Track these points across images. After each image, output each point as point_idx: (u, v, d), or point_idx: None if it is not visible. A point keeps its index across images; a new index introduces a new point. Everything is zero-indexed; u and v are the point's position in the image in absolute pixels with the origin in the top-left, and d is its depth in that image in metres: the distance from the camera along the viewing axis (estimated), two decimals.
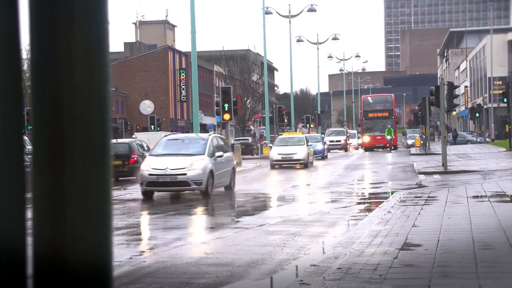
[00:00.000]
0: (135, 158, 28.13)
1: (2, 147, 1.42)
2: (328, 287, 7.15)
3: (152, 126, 59.74)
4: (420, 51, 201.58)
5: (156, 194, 20.58)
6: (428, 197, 16.77)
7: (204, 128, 76.34)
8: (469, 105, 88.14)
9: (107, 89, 1.47)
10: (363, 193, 22.30)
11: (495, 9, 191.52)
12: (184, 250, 11.19)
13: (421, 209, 14.05)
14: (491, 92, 79.02)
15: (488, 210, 13.30)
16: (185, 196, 20.65)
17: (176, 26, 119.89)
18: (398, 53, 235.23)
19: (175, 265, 9.64)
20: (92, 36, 1.44)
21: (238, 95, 53.84)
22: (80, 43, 1.43)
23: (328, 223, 13.80)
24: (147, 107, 79.29)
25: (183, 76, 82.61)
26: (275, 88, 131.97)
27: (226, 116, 35.50)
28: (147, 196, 20.07)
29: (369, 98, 70.71)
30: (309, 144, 38.24)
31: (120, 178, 27.31)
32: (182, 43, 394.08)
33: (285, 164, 36.29)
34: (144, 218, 16.62)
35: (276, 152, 36.68)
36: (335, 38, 74.81)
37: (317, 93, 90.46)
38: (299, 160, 36.01)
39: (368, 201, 19.45)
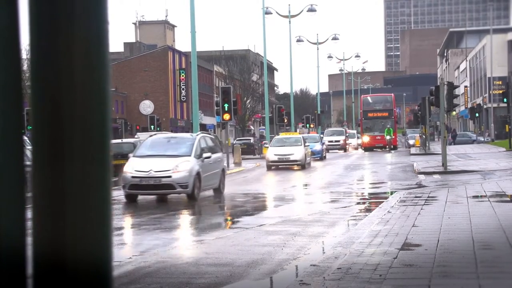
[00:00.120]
0: None
1: (2, 147, 1.42)
2: (328, 287, 7.15)
3: (152, 126, 59.71)
4: (420, 51, 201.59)
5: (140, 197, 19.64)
6: (428, 197, 16.77)
7: (204, 128, 76.34)
8: (469, 105, 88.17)
9: (107, 89, 1.47)
10: (362, 193, 22.30)
11: (495, 9, 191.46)
12: (183, 250, 11.20)
13: (421, 209, 14.05)
14: (491, 92, 78.99)
15: (488, 210, 13.31)
16: (172, 200, 19.72)
17: (176, 26, 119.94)
18: (398, 53, 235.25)
19: (175, 265, 9.64)
20: (92, 36, 1.44)
21: (238, 95, 53.80)
22: (80, 43, 1.43)
23: (328, 223, 13.80)
24: (147, 107, 79.30)
25: (183, 76, 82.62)
26: (275, 88, 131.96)
27: (226, 116, 35.48)
28: (130, 199, 19.16)
29: (369, 98, 70.60)
30: (306, 144, 37.53)
31: None
32: (182, 43, 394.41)
33: (282, 165, 35.55)
34: (128, 220, 16.23)
35: (272, 152, 35.76)
36: (335, 38, 74.78)
37: (317, 93, 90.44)
38: (296, 161, 35.20)
39: (368, 201, 19.44)
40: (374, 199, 19.22)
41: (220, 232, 13.48)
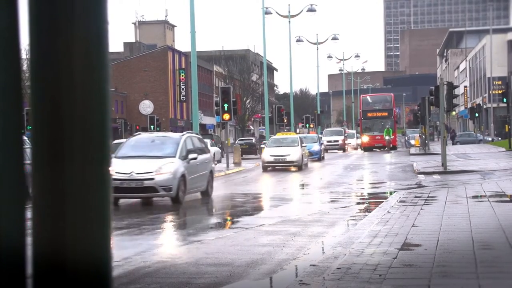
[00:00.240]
0: None
1: (2, 147, 1.42)
2: (328, 287, 7.15)
3: (152, 126, 59.69)
4: (419, 51, 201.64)
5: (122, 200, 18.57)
6: (428, 197, 16.77)
7: (203, 128, 76.48)
8: (469, 105, 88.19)
9: (107, 89, 1.47)
10: (362, 193, 22.30)
11: (495, 9, 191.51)
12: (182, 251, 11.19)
13: (421, 209, 14.05)
14: (490, 92, 79.06)
15: (488, 210, 13.31)
16: (158, 203, 18.78)
17: (175, 26, 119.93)
18: (398, 53, 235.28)
19: (175, 265, 9.63)
20: (92, 36, 1.44)
21: (237, 95, 53.80)
22: (80, 43, 1.43)
23: (328, 223, 13.80)
24: (146, 107, 79.29)
25: (182, 76, 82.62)
26: (275, 88, 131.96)
27: (226, 116, 35.47)
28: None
29: (368, 98, 70.45)
30: (303, 145, 36.59)
31: None
32: (182, 43, 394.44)
33: (278, 166, 34.68)
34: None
35: (268, 153, 34.64)
36: (334, 38, 74.77)
37: (316, 93, 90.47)
38: (292, 162, 34.25)
39: (368, 201, 19.44)
40: (374, 199, 19.21)
41: (219, 232, 13.47)
